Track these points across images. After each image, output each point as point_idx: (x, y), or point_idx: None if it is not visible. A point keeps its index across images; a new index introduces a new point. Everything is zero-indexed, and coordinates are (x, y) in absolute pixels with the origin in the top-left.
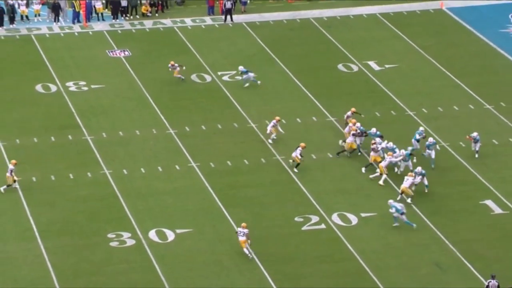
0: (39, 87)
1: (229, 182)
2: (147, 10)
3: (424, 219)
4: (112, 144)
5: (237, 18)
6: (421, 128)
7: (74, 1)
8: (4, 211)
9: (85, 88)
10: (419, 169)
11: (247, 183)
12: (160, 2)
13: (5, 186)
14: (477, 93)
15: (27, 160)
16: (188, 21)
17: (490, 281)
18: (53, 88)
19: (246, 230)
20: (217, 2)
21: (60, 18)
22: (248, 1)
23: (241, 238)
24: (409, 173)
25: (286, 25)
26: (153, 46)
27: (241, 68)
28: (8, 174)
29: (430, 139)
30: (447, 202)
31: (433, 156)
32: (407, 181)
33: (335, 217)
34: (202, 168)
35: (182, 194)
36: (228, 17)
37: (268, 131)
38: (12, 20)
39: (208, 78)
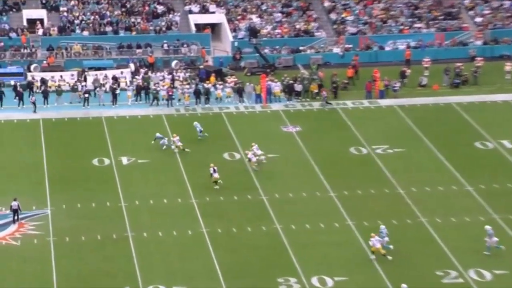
0: (226, 155)
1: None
2: (315, 89)
3: None
4: (283, 203)
5: (390, 101)
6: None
7: (255, 85)
8: (195, 256)
9: (263, 157)
10: None
11: (398, 239)
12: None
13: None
14: None
15: (214, 214)
16: (349, 103)
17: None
18: (237, 155)
19: None
20: (374, 88)
21: (245, 99)
22: (399, 88)
23: None
24: None
25: (431, 108)
26: (319, 123)
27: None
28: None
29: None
30: None
31: None
32: None
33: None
34: (357, 226)
35: (340, 247)
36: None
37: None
38: (207, 100)
39: (364, 151)
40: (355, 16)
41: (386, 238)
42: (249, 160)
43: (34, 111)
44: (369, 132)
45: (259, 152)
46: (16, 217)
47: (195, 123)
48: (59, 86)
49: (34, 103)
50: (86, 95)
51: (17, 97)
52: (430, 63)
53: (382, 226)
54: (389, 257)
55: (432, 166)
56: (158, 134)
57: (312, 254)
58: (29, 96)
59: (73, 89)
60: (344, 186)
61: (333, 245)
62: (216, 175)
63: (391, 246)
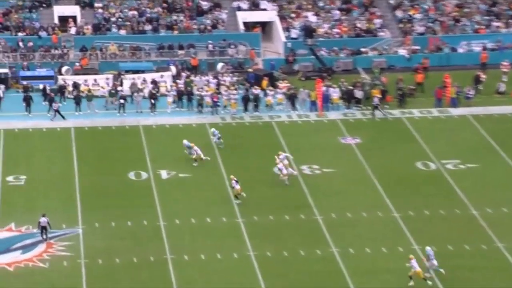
0: (276, 170)
1: (452, 265)
2: (377, 93)
3: None
4: (340, 225)
5: (462, 110)
6: None
7: (310, 91)
8: (242, 282)
9: (318, 172)
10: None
11: (471, 267)
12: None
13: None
14: None
15: (262, 235)
16: (416, 112)
17: None
18: (288, 170)
19: None
20: (444, 95)
21: (298, 106)
22: (473, 96)
23: None
24: None
25: (509, 118)
26: (381, 134)
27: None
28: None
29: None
30: None
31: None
32: None
33: None
34: (424, 251)
35: (404, 274)
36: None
37: None
38: (256, 107)
39: (432, 166)
40: (424, 14)
41: (435, 261)
42: (279, 170)
43: (62, 119)
44: (438, 145)
45: (286, 162)
46: (44, 236)
47: (213, 129)
48: (89, 90)
49: (58, 111)
50: (122, 101)
51: (46, 102)
52: (510, 67)
53: (428, 248)
54: (429, 282)
55: (510, 184)
56: (186, 142)
57: (373, 282)
58: (57, 102)
59: (111, 93)
60: (410, 206)
61: (396, 272)
62: (238, 187)
63: (442, 270)
